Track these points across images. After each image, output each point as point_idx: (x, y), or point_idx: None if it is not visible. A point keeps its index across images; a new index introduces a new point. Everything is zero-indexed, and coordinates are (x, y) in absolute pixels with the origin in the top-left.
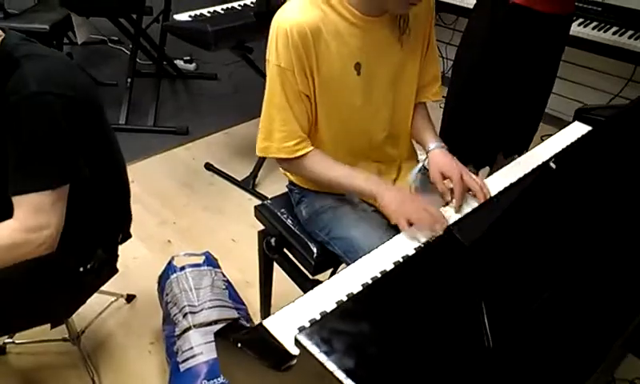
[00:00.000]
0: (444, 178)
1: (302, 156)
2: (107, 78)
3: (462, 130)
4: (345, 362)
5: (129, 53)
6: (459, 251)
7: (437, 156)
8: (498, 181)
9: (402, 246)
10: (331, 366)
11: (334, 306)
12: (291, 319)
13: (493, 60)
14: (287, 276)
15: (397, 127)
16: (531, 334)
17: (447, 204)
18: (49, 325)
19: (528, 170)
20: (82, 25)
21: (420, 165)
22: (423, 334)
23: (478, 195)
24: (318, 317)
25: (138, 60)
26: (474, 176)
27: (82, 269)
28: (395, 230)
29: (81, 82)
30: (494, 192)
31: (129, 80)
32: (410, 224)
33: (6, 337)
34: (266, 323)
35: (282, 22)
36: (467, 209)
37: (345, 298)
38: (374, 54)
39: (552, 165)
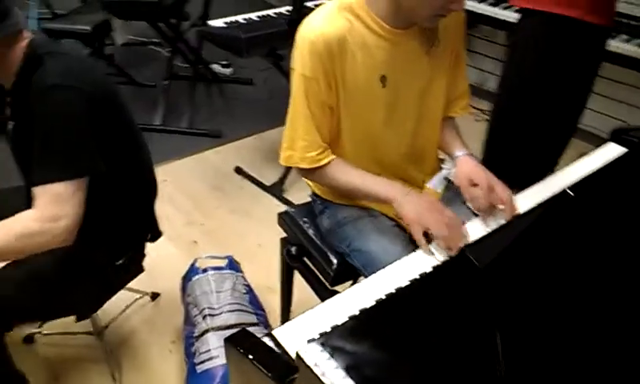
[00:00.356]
0: (472, 184)
1: (324, 165)
2: (146, 79)
3: (508, 150)
4: (344, 381)
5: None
6: (474, 273)
7: (465, 162)
8: (525, 199)
9: (419, 263)
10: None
11: (345, 319)
12: (301, 330)
13: (541, 75)
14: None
15: (422, 143)
16: (545, 365)
17: (474, 214)
18: (74, 318)
19: (557, 190)
20: (122, 27)
21: (444, 172)
22: (429, 357)
23: (506, 209)
24: (329, 329)
25: (176, 63)
26: (504, 188)
27: (111, 265)
28: (415, 246)
29: (100, 80)
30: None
31: (166, 82)
32: (426, 235)
33: (35, 327)
34: (276, 333)
35: (308, 31)
36: (493, 223)
37: (356, 312)
38: (401, 67)
39: (572, 191)
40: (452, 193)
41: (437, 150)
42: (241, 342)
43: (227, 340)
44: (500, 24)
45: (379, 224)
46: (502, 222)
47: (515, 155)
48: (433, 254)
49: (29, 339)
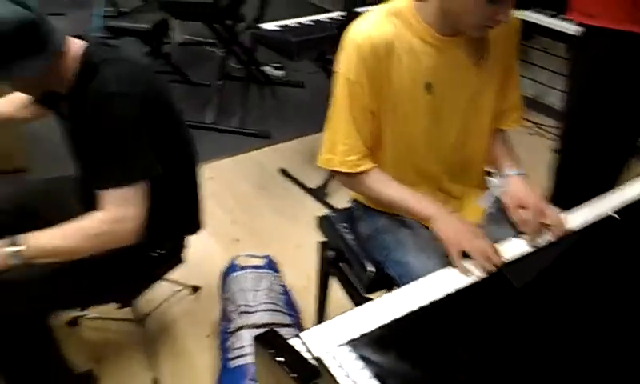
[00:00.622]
0: (520, 206)
1: (363, 172)
2: (201, 78)
3: (577, 174)
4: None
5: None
6: (510, 292)
7: (515, 183)
8: (576, 218)
9: (455, 278)
10: None
11: (375, 327)
12: (329, 335)
13: (605, 94)
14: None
15: (466, 156)
16: None
17: (521, 233)
18: (117, 304)
19: (611, 211)
20: (179, 27)
21: (495, 190)
22: (457, 374)
23: (554, 231)
24: (357, 336)
25: (230, 64)
26: (553, 210)
27: (150, 255)
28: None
29: (152, 81)
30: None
31: (219, 82)
32: (464, 254)
33: (79, 310)
34: (304, 335)
35: (355, 34)
36: (535, 243)
37: (387, 321)
38: (447, 75)
39: (618, 215)
40: (498, 211)
41: (483, 164)
42: (269, 341)
43: (256, 338)
44: (559, 36)
45: (418, 236)
46: (545, 242)
47: (582, 177)
48: (469, 272)
49: (73, 322)
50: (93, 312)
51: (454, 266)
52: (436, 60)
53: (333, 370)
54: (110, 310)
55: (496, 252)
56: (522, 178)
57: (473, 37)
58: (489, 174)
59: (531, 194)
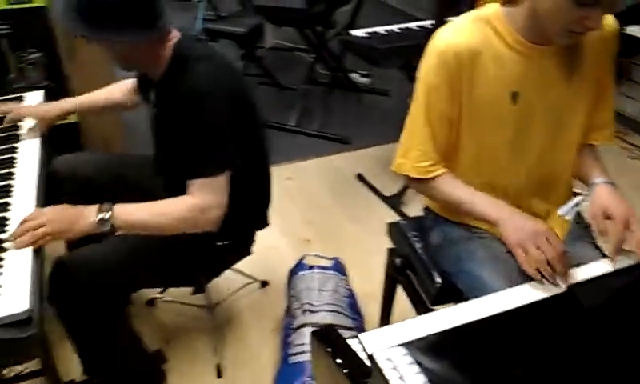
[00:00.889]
0: (606, 216)
1: (434, 177)
2: (288, 82)
3: None
4: None
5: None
6: (578, 313)
7: (603, 191)
8: None
9: (527, 295)
10: None
11: (432, 333)
12: (388, 338)
13: None
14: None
15: (550, 172)
16: None
17: (603, 255)
18: (191, 290)
19: None
20: (272, 32)
21: (577, 198)
22: None
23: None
24: (413, 339)
25: (318, 69)
26: None
27: (219, 244)
28: (526, 278)
29: (240, 83)
30: None
31: (305, 86)
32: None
33: (157, 292)
34: (362, 337)
35: (440, 41)
36: (626, 261)
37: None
38: (535, 85)
39: None
40: (580, 228)
41: (569, 181)
42: (325, 337)
43: (313, 333)
44: None
45: (492, 250)
46: (625, 264)
47: None
48: (541, 282)
49: (150, 302)
50: (169, 295)
51: (524, 268)
52: (524, 68)
53: (386, 372)
54: (184, 294)
55: (562, 259)
56: (610, 186)
57: (563, 47)
58: (576, 195)
59: (619, 204)
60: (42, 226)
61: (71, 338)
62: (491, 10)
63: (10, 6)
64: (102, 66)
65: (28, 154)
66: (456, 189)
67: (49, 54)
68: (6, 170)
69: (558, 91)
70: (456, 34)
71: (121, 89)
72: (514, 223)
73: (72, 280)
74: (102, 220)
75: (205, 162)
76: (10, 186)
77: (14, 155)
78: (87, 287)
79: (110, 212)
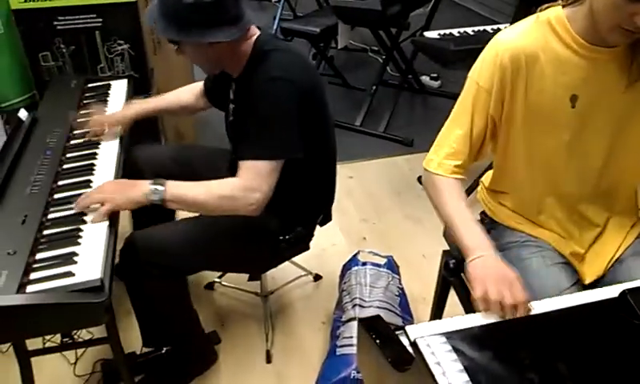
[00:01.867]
0: None
1: (441, 176)
2: (358, 82)
3: None
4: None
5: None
6: (629, 320)
7: None
8: None
9: (576, 299)
10: (441, 379)
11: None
12: (434, 331)
13: None
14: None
15: (612, 180)
16: None
17: None
18: (247, 277)
19: None
20: (345, 32)
21: None
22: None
23: None
24: (455, 329)
25: (388, 71)
26: None
27: (281, 237)
28: (575, 290)
29: (313, 77)
30: None
31: (373, 87)
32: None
33: (217, 276)
34: (409, 329)
35: (498, 42)
36: None
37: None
38: (596, 89)
39: None
40: None
41: (632, 191)
42: (372, 325)
43: (361, 321)
44: None
45: (546, 259)
46: None
47: None
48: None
49: (209, 286)
50: (226, 280)
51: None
52: (584, 71)
53: (426, 356)
54: (241, 281)
55: (519, 308)
56: None
57: (625, 50)
58: None
59: None
60: (103, 201)
61: (135, 310)
62: (553, 12)
63: (103, 1)
64: (181, 60)
65: (109, 145)
66: (450, 199)
67: (135, 46)
68: (91, 151)
69: (618, 95)
70: (515, 37)
71: (191, 91)
72: (485, 260)
73: (138, 256)
74: (154, 190)
75: (258, 144)
76: (92, 164)
77: (98, 143)
78: (151, 264)
79: (162, 185)
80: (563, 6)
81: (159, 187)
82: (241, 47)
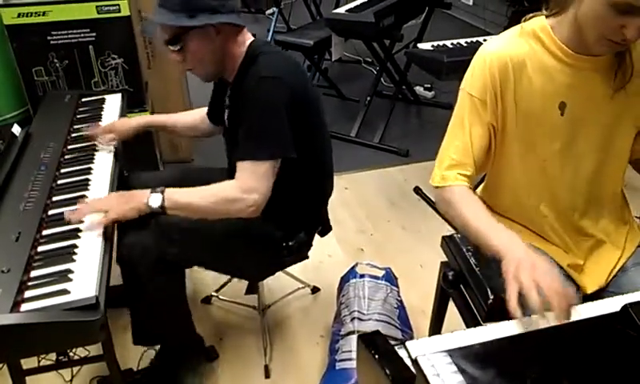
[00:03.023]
0: None
1: (452, 187)
2: (352, 93)
3: None
4: None
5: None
6: (630, 333)
7: None
8: None
9: (580, 313)
10: None
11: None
12: (435, 347)
13: None
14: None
15: (600, 190)
16: None
17: None
18: (244, 290)
19: None
20: (339, 44)
21: None
22: None
23: None
24: (458, 346)
25: (382, 82)
26: None
27: (284, 244)
28: (582, 298)
29: (299, 76)
30: None
31: (368, 98)
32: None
33: (214, 290)
34: (409, 344)
35: (484, 51)
36: None
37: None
38: (583, 96)
39: None
40: None
41: (621, 198)
42: (372, 341)
43: (360, 337)
44: None
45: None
46: None
47: None
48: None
49: (206, 300)
50: (223, 295)
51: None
52: (570, 79)
53: (430, 378)
54: (238, 294)
55: (567, 299)
56: None
57: (611, 58)
58: None
59: None
60: (106, 210)
61: (130, 302)
62: (537, 23)
63: (97, 16)
64: (176, 74)
65: (103, 160)
66: (466, 206)
67: (129, 60)
68: (86, 166)
69: (607, 104)
70: (501, 46)
71: (193, 114)
72: (514, 255)
73: (136, 243)
74: (154, 198)
75: (253, 145)
76: (87, 179)
77: (93, 157)
78: (149, 251)
79: (161, 193)
80: (547, 16)
81: (158, 195)
82: (237, 48)
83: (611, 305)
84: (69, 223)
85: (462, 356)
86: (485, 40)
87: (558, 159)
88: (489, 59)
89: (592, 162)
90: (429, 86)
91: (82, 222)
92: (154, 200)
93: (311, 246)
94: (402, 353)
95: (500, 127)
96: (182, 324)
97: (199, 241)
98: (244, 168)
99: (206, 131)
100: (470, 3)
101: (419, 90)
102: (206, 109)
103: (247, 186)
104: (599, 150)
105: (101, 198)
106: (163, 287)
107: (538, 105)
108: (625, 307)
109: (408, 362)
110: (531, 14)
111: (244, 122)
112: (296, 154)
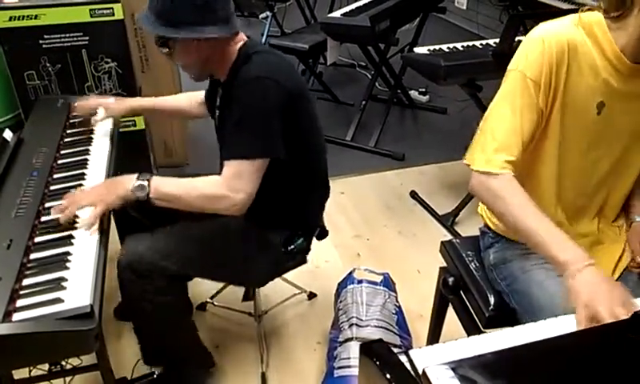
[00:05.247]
0: None
1: (498, 175)
2: (347, 98)
3: None
4: None
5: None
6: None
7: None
8: None
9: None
10: None
11: (482, 353)
12: (438, 357)
13: None
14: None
15: (607, 194)
16: None
17: None
18: (240, 297)
19: None
20: (334, 48)
21: None
22: None
23: None
24: (463, 358)
25: (377, 85)
26: None
27: (283, 249)
28: None
29: (295, 78)
30: None
31: (363, 102)
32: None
33: (209, 297)
34: (412, 353)
35: (540, 32)
36: None
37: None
38: (623, 102)
39: None
40: None
41: (621, 204)
42: (374, 351)
43: (362, 346)
44: None
45: (550, 270)
46: None
47: None
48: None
49: (202, 307)
50: (219, 301)
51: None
52: (616, 82)
53: None
54: (234, 300)
55: None
56: None
57: None
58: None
59: None
60: (93, 204)
61: (135, 327)
62: (594, 17)
63: (89, 19)
64: (170, 77)
65: (97, 164)
66: (521, 207)
67: (122, 64)
68: (79, 171)
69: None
70: (559, 27)
71: (189, 98)
72: (586, 276)
73: (142, 261)
74: (139, 186)
75: (241, 143)
76: (80, 185)
77: (86, 163)
78: (157, 268)
79: (146, 181)
80: (605, 16)
81: (144, 182)
82: (228, 50)
83: None
84: (59, 224)
85: (469, 367)
86: (482, 44)
87: (580, 157)
88: (547, 40)
89: (608, 166)
90: (423, 90)
91: (75, 224)
92: (140, 189)
93: (309, 250)
94: (402, 358)
95: (547, 114)
96: (189, 339)
97: (198, 253)
98: (231, 166)
99: (196, 115)
100: (464, 8)
101: (414, 94)
102: (200, 93)
103: (233, 184)
104: (618, 155)
105: (86, 190)
106: (167, 305)
107: (581, 98)
108: (636, 315)
109: (406, 364)
110: (588, 7)
111: (234, 120)
112: (285, 155)
